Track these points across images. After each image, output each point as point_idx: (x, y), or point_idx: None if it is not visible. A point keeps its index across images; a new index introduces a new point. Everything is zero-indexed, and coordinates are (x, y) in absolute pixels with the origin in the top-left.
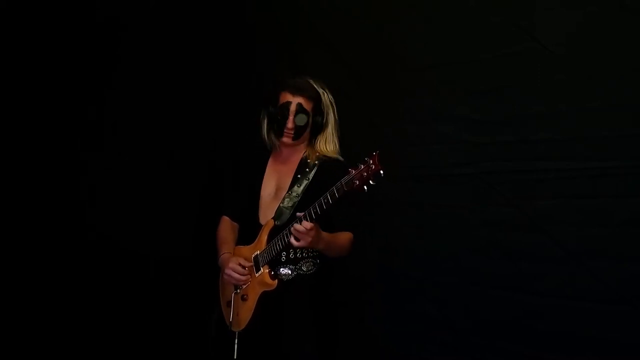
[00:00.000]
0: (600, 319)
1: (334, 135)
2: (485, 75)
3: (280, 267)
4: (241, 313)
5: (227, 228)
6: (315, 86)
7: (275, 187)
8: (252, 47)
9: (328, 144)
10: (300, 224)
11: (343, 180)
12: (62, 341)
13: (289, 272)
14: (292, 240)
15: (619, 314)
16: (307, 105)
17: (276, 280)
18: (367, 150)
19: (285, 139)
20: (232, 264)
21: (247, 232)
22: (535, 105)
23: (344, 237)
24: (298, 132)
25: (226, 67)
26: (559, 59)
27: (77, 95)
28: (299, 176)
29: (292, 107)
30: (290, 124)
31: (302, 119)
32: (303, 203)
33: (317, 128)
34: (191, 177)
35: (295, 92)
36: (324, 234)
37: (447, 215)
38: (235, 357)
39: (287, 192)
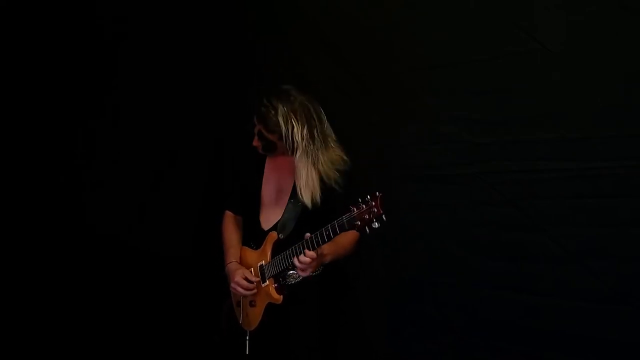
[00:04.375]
0: (600, 319)
1: (314, 168)
2: (485, 75)
3: (288, 271)
4: (250, 316)
5: (232, 226)
6: (272, 114)
7: (276, 188)
8: (253, 48)
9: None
10: (304, 253)
11: (345, 218)
12: (63, 339)
13: (296, 275)
14: (300, 273)
15: (619, 314)
16: (268, 134)
17: (282, 296)
18: (366, 153)
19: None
20: (238, 277)
21: (249, 232)
22: (536, 105)
23: (348, 239)
24: (265, 149)
25: (227, 68)
26: (559, 59)
27: (79, 94)
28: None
29: (255, 130)
30: (254, 142)
31: (263, 145)
32: (305, 215)
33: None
34: (194, 176)
35: (258, 121)
36: (327, 248)
37: (447, 215)
38: (247, 352)
39: (289, 200)
